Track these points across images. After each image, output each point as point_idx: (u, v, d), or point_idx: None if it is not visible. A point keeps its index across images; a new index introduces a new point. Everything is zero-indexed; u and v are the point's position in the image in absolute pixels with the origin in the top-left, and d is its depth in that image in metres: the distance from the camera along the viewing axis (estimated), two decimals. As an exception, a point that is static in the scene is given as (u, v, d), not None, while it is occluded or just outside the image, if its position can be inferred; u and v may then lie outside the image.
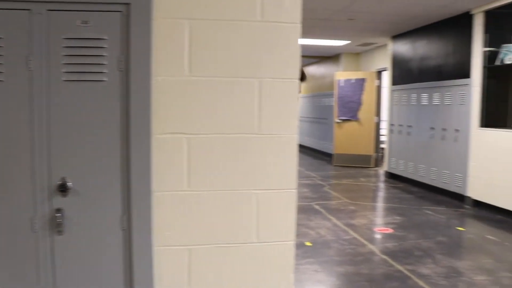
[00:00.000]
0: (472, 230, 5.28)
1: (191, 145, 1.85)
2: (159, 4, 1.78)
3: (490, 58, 5.97)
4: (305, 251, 4.30)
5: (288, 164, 1.93)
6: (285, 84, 1.91)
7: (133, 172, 1.80)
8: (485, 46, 6.01)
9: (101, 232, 1.83)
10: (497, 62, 5.87)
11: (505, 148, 5.57)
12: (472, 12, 6.16)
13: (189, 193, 1.87)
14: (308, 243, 4.58)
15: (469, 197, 6.25)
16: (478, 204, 6.10)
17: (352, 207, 6.25)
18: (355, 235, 4.89)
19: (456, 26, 6.60)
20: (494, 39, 5.96)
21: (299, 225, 5.18)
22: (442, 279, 3.67)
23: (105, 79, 1.78)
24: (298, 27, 1.89)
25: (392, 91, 8.57)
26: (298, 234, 4.81)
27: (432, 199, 6.78)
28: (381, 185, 8.22)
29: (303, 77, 3.26)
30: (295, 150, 1.94)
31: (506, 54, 5.74)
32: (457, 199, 6.50)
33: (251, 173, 1.91)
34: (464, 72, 6.35)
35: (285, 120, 1.92)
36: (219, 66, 1.85)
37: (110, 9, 1.76)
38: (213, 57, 1.85)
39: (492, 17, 5.98)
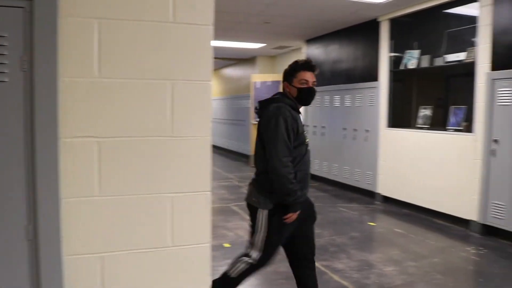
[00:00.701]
0: (382, 224, 5.59)
1: (102, 149, 1.77)
2: (65, 2, 1.68)
3: (395, 63, 6.39)
4: (224, 253, 4.29)
5: (202, 166, 1.92)
6: (197, 86, 1.89)
7: (39, 178, 1.69)
8: (391, 51, 6.41)
9: (4, 244, 1.69)
10: (401, 67, 6.29)
11: (409, 147, 5.98)
12: (379, 19, 6.54)
13: (100, 199, 1.79)
14: (226, 245, 4.58)
15: (379, 194, 6.62)
16: (387, 199, 6.49)
17: (270, 207, 6.35)
18: (273, 234, 4.97)
19: (365, 32, 6.97)
20: (398, 45, 6.38)
21: (217, 227, 5.17)
22: (355, 272, 3.85)
23: (6, 79, 1.65)
24: (210, 29, 1.88)
25: (307, 93, 8.82)
26: (217, 236, 4.80)
27: (345, 196, 7.09)
28: (298, 184, 8.42)
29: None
30: (209, 152, 1.93)
31: (409, 59, 6.17)
32: (369, 195, 6.86)
33: (165, 177, 1.87)
34: (372, 75, 6.72)
35: (198, 122, 1.90)
36: (130, 68, 1.79)
37: (10, 5, 1.64)
38: (124, 58, 1.78)
39: (396, 24, 6.40)
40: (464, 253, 4.39)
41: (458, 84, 6.14)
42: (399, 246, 4.60)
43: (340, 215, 5.90)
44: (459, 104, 5.53)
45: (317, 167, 8.31)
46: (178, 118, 1.87)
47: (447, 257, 4.30)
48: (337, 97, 7.67)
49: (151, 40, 1.81)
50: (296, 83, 2.75)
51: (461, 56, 5.39)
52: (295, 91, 2.76)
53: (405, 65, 6.22)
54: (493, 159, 4.78)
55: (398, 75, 6.46)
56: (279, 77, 10.31)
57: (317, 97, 8.61)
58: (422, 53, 5.98)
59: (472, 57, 5.12)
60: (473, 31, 5.08)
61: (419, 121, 6.04)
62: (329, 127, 7.96)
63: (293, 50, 10.26)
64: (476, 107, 4.99)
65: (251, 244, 2.72)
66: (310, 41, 8.69)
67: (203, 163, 1.92)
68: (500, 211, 4.72)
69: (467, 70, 5.20)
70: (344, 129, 7.43)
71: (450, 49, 5.66)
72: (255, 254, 2.68)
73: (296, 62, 2.81)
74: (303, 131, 2.81)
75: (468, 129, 5.16)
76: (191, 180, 1.91)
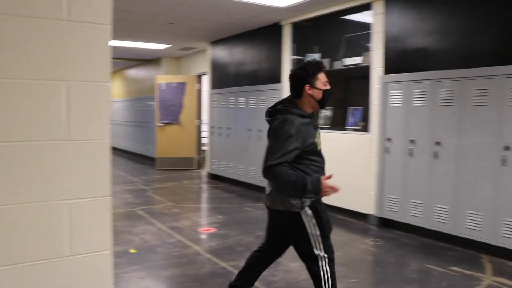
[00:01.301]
0: (286, 222, 5.72)
1: (-10, 154, 1.59)
2: None
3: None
4: (129, 259, 4.12)
5: (100, 171, 1.81)
6: (95, 87, 1.78)
7: None
8: (293, 54, 6.61)
9: None
10: (303, 69, 6.50)
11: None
12: (282, 23, 6.72)
13: (-11, 207, 1.61)
14: (132, 250, 4.40)
15: (283, 193, 6.76)
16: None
17: (176, 210, 6.24)
18: (180, 237, 4.87)
19: (268, 35, 7.12)
20: (300, 48, 6.61)
21: (122, 232, 4.96)
22: (263, 271, 3.89)
23: None
24: (108, 28, 1.78)
25: (212, 95, 8.84)
26: (122, 242, 4.60)
27: (251, 196, 7.18)
28: (204, 186, 8.40)
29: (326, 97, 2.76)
30: (107, 155, 1.82)
31: (310, 62, 6.38)
32: (273, 195, 6.99)
33: (61, 182, 1.73)
34: (276, 77, 6.88)
35: (96, 125, 1.79)
36: (20, 67, 1.63)
37: None
38: (12, 57, 1.62)
39: (298, 28, 6.62)
40: (364, 245, 4.65)
41: (356, 87, 6.50)
42: (304, 243, 4.74)
43: (247, 215, 5.95)
44: (357, 105, 5.85)
45: (223, 168, 8.32)
46: (74, 121, 1.74)
47: (349, 250, 4.52)
48: (242, 99, 7.75)
49: (43, 38, 1.67)
50: (320, 85, 2.68)
51: (357, 60, 5.71)
52: (320, 93, 2.69)
53: (307, 68, 6.42)
54: (387, 156, 5.13)
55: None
56: (184, 78, 10.25)
57: (222, 99, 8.69)
58: (322, 57, 6.24)
59: (367, 61, 5.45)
60: (368, 37, 5.42)
61: (321, 121, 6.29)
62: (234, 128, 8.01)
63: (198, 51, 10.20)
64: (371, 108, 5.32)
65: (313, 248, 2.66)
66: (215, 42, 8.69)
67: (102, 167, 1.81)
68: (394, 205, 5.07)
69: (364, 73, 5.52)
70: (249, 130, 7.52)
71: (348, 53, 5.97)
72: (322, 253, 2.66)
73: (313, 64, 2.72)
74: (312, 142, 2.76)
75: (365, 128, 5.49)
76: (89, 185, 1.79)
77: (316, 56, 6.30)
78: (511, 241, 4.10)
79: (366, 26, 5.55)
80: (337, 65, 6.02)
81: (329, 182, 2.64)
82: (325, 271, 2.66)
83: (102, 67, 1.81)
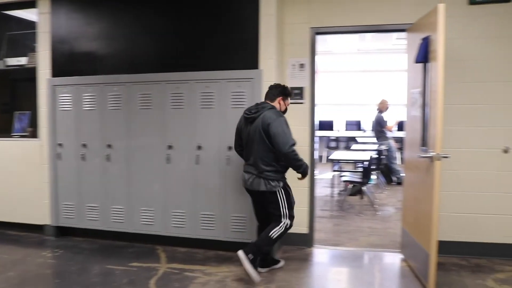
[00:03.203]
0: None
1: None
2: None
3: None
4: None
5: None
6: None
7: None
8: None
9: None
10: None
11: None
12: None
13: None
14: None
15: None
16: None
17: None
18: None
19: None
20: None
21: None
22: None
23: None
24: None
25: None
26: None
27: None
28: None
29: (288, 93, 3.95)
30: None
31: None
32: None
33: None
34: None
35: None
36: None
37: None
38: None
39: None
40: (41, 259, 4.35)
41: (22, 89, 5.99)
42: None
43: None
44: (24, 109, 5.41)
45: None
46: None
47: (23, 267, 4.13)
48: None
49: None
50: (287, 103, 3.93)
51: (23, 60, 5.29)
52: (285, 107, 3.90)
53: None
54: (59, 162, 4.94)
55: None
56: None
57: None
58: (-23, 54, 5.51)
59: (34, 63, 5.10)
60: (34, 37, 5.07)
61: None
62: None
63: None
64: (40, 113, 5.01)
65: (281, 216, 3.74)
66: None
67: None
68: (70, 211, 4.94)
69: (31, 75, 5.14)
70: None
71: (12, 53, 5.45)
72: (288, 220, 3.76)
73: (288, 89, 3.93)
74: None
75: (34, 134, 5.13)
76: None
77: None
78: (178, 229, 4.59)
79: (32, 25, 5.19)
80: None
81: None
82: (279, 232, 3.71)
83: None
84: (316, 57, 4.57)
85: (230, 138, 4.10)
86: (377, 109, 8.53)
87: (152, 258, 4.35)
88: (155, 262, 4.23)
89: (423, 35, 3.65)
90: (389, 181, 8.43)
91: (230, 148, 4.31)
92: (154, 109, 4.56)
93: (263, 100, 3.90)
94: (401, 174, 8.29)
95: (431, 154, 3.46)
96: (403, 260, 4.29)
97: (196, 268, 4.08)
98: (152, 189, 4.64)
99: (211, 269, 4.05)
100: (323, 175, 9.49)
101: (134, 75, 4.62)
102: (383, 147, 7.92)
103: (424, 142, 3.68)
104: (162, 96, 4.53)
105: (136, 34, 4.68)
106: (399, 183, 8.16)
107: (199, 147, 4.45)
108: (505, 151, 4.20)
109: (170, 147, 4.53)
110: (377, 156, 7.18)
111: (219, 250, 4.52)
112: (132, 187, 4.71)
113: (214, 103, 4.39)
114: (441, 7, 3.34)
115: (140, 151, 4.65)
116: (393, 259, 4.37)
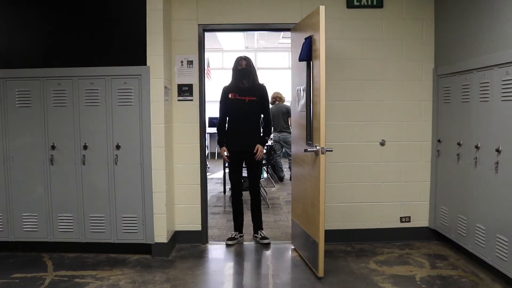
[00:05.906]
0: None
1: None
2: None
3: None
4: None
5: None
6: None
7: None
8: None
9: None
10: None
11: None
12: None
13: None
14: None
15: None
16: None
17: None
18: None
19: None
20: None
21: None
22: None
23: None
24: None
25: None
26: None
27: None
28: None
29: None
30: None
31: None
32: None
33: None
34: None
35: None
36: None
37: None
38: None
39: None
40: None
41: None
42: None
43: None
44: None
45: None
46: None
47: None
48: None
49: None
50: None
51: None
52: None
53: None
54: None
55: None
56: None
57: None
58: None
59: None
60: None
61: None
62: None
63: None
64: None
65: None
66: None
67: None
68: None
69: None
70: None
71: None
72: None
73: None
74: None
75: None
76: None
77: None
78: (65, 234, 4.34)
79: None
80: None
81: None
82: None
83: None
84: (206, 54, 4.59)
85: (118, 136, 3.96)
86: (276, 102, 8.53)
87: (38, 267, 4.05)
88: (41, 271, 3.95)
89: (306, 35, 3.83)
90: (280, 178, 8.73)
91: (118, 147, 4.18)
92: (34, 107, 4.25)
93: (152, 97, 3.81)
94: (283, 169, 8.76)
95: (316, 148, 3.65)
96: (294, 250, 4.49)
97: (86, 273, 3.89)
98: (35, 193, 4.32)
99: (103, 273, 3.90)
100: (215, 172, 9.58)
101: (8, 70, 4.25)
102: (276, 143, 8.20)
103: (309, 137, 3.87)
104: (43, 93, 4.24)
105: (12, 28, 4.31)
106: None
107: (85, 147, 4.25)
108: (382, 144, 4.58)
109: (53, 147, 4.27)
110: (267, 151, 7.39)
111: (111, 253, 4.36)
112: (12, 192, 4.33)
113: (99, 101, 4.21)
114: (322, 9, 3.53)
115: (20, 151, 4.29)
116: (285, 250, 4.55)
